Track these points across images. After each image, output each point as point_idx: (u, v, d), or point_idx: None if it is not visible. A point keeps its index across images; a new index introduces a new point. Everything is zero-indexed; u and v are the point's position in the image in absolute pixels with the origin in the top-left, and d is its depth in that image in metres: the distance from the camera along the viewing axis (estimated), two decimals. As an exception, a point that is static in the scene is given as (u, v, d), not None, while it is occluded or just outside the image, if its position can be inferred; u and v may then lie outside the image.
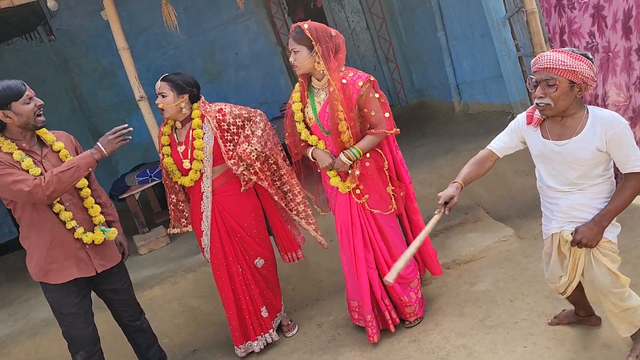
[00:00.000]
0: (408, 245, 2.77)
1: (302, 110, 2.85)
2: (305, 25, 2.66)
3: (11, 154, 2.46)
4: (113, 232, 2.74)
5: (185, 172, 2.99)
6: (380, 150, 2.80)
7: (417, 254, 2.93)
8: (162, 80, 2.89)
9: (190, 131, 2.96)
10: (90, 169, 2.56)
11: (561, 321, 2.55)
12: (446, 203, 2.26)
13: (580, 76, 2.04)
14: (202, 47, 6.62)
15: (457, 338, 2.72)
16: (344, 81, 2.66)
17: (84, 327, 2.70)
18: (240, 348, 3.16)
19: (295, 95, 2.88)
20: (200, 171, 2.95)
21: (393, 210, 2.84)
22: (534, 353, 2.43)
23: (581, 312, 2.49)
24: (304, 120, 2.86)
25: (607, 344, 2.35)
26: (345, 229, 2.87)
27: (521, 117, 2.29)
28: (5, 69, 5.78)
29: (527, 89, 4.84)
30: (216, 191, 3.01)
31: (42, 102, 2.52)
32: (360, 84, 2.65)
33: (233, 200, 3.02)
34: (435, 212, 2.26)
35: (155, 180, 4.89)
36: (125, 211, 4.87)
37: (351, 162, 2.72)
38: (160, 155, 3.08)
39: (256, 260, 3.13)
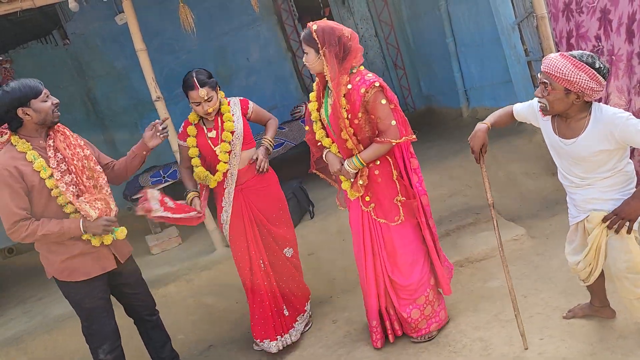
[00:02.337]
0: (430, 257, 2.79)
1: (318, 110, 2.80)
2: (314, 27, 2.55)
3: (24, 153, 2.50)
4: (122, 231, 2.76)
5: (214, 160, 3.04)
6: (390, 159, 2.68)
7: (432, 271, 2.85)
8: (201, 87, 2.88)
9: (219, 117, 3.03)
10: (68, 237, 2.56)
11: (576, 314, 2.60)
12: (480, 150, 2.39)
13: (576, 85, 2.06)
14: (214, 51, 6.72)
15: (473, 332, 2.76)
16: (349, 86, 2.55)
17: (107, 321, 2.75)
18: (263, 342, 3.16)
19: (312, 94, 2.83)
20: (226, 162, 3.02)
21: (400, 221, 2.72)
22: (550, 345, 2.47)
23: (596, 303, 2.53)
24: (321, 120, 2.81)
25: (623, 335, 2.39)
26: (356, 232, 2.84)
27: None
28: (21, 72, 5.87)
29: (536, 93, 4.91)
30: (243, 185, 3.07)
31: (57, 101, 2.58)
32: (363, 90, 2.51)
33: (260, 192, 3.09)
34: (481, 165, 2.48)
35: (169, 180, 4.95)
36: (139, 211, 4.93)
37: (355, 171, 2.66)
38: (181, 148, 3.13)
39: (285, 250, 3.19)
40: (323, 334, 3.25)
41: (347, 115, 2.57)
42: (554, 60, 2.11)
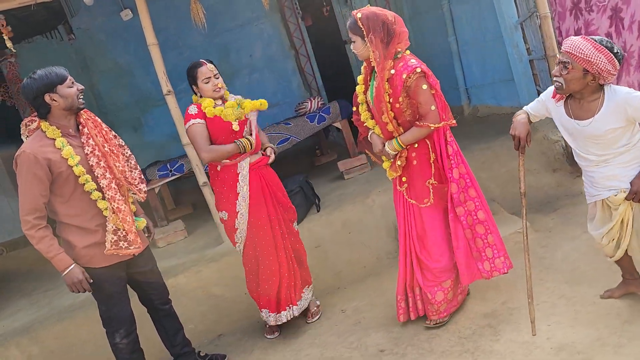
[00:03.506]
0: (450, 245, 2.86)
1: (365, 93, 2.87)
2: (359, 15, 2.65)
3: (54, 140, 2.56)
4: (142, 222, 2.86)
5: (232, 137, 3.12)
6: (428, 142, 2.76)
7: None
8: (210, 63, 3.11)
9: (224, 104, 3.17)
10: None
11: (613, 294, 2.66)
12: (519, 141, 2.48)
13: (595, 67, 2.21)
14: (218, 48, 6.77)
15: (482, 319, 2.85)
16: (393, 71, 2.64)
17: (125, 307, 2.82)
18: (262, 312, 3.32)
19: (360, 77, 2.90)
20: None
21: (429, 204, 2.81)
22: (558, 330, 2.55)
23: (627, 276, 2.64)
24: (367, 102, 2.89)
25: (629, 320, 2.47)
26: (396, 210, 2.99)
27: (549, 90, 2.48)
28: (25, 66, 5.89)
29: (538, 92, 5.01)
30: (255, 165, 3.18)
31: (82, 87, 2.65)
32: (404, 76, 2.61)
33: (269, 170, 3.26)
34: (519, 157, 2.54)
35: (176, 174, 5.00)
36: (145, 205, 4.97)
37: (394, 153, 2.79)
38: (197, 126, 3.09)
39: (294, 224, 3.36)
40: (333, 323, 3.31)
41: (389, 99, 2.68)
42: (577, 42, 2.24)
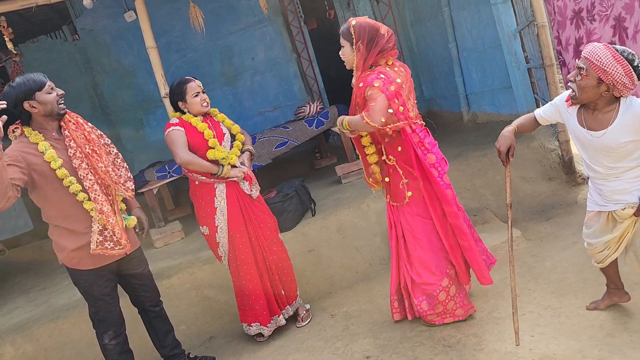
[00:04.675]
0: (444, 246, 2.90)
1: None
2: (353, 22, 2.72)
3: (36, 144, 2.57)
4: (133, 220, 2.87)
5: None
6: (401, 149, 2.84)
7: (462, 264, 2.95)
8: (196, 80, 3.20)
9: (208, 118, 3.25)
10: None
11: (598, 306, 2.68)
12: (507, 153, 2.47)
13: (610, 77, 2.10)
14: (220, 51, 6.82)
15: (467, 328, 2.86)
16: (361, 84, 2.71)
17: (113, 308, 2.85)
18: (252, 327, 3.33)
19: (353, 81, 2.90)
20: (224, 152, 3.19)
21: (407, 200, 2.86)
22: (541, 342, 2.56)
23: (611, 285, 2.64)
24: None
25: (611, 334, 2.48)
26: (387, 215, 3.08)
27: (564, 94, 2.41)
28: (30, 65, 5.97)
29: (535, 100, 5.01)
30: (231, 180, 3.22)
31: (62, 92, 2.66)
32: (361, 85, 2.71)
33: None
34: (506, 168, 2.55)
35: (174, 176, 5.04)
36: (143, 205, 5.00)
37: (345, 130, 2.82)
38: (177, 133, 3.11)
39: (278, 234, 3.39)
40: (321, 328, 3.34)
41: (358, 107, 2.77)
42: (596, 48, 2.14)
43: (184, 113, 3.20)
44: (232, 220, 3.20)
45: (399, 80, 2.72)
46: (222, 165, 3.10)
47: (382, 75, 2.68)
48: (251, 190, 3.25)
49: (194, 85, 3.14)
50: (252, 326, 3.33)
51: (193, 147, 3.12)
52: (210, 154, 3.09)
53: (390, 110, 2.64)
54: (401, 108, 2.70)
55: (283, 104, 7.03)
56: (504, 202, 4.46)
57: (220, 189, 3.18)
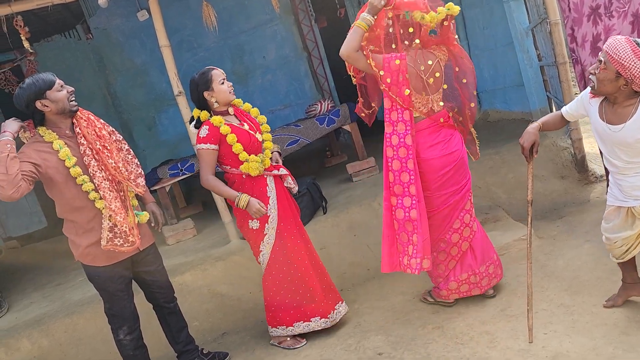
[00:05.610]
0: None
1: None
2: None
3: (51, 143, 2.61)
4: (145, 216, 2.90)
5: (256, 148, 3.09)
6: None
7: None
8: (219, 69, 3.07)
9: (236, 112, 3.13)
10: None
11: (616, 302, 2.67)
12: (531, 149, 2.48)
13: (628, 72, 2.10)
14: (232, 49, 6.86)
15: (480, 325, 2.86)
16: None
17: (128, 304, 2.89)
18: (294, 326, 3.20)
19: None
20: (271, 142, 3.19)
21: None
22: (554, 339, 2.56)
23: (628, 280, 2.64)
24: None
25: (626, 332, 2.47)
26: None
27: (589, 88, 2.42)
28: (44, 64, 6.03)
29: (548, 98, 4.99)
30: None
31: (72, 89, 2.69)
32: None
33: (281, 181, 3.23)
34: (528, 164, 2.58)
35: (186, 173, 5.08)
36: (156, 202, 5.07)
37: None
38: (205, 151, 2.99)
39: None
40: (333, 325, 3.35)
41: None
42: (616, 42, 2.14)
43: (208, 110, 3.03)
44: (282, 210, 3.12)
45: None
46: (240, 198, 2.97)
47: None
48: (292, 185, 3.21)
49: (218, 72, 3.00)
50: (310, 321, 3.18)
51: (226, 157, 3.03)
52: (244, 168, 3.01)
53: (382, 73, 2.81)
54: (388, 80, 2.81)
55: (294, 102, 7.05)
56: (516, 201, 4.47)
57: (270, 179, 3.11)
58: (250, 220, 3.09)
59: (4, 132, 2.55)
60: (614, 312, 2.64)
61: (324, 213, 4.51)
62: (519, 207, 4.32)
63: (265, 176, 3.10)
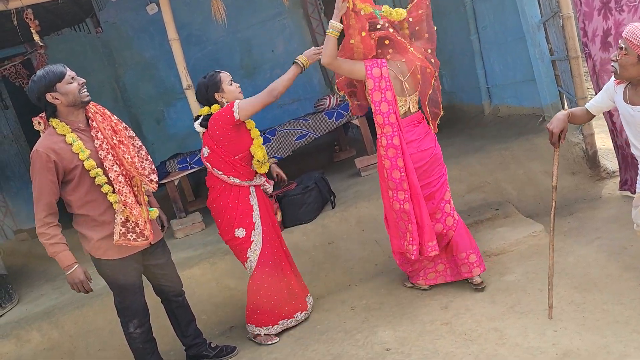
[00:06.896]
0: None
1: None
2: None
3: (64, 135, 2.62)
4: (155, 212, 2.92)
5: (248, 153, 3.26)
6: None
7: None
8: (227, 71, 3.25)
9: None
10: None
11: None
12: (559, 136, 2.58)
13: None
14: (240, 44, 6.85)
15: (489, 322, 2.85)
16: None
17: (138, 297, 2.90)
18: (279, 324, 3.35)
19: None
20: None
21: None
22: (564, 337, 2.54)
23: None
24: None
25: (637, 330, 2.45)
26: None
27: (613, 78, 2.52)
28: (54, 57, 6.04)
29: (560, 93, 4.93)
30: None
31: (84, 80, 2.68)
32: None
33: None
34: (555, 149, 2.68)
35: (195, 167, 5.09)
36: (164, 196, 5.09)
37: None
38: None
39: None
40: (342, 319, 3.35)
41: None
42: (634, 28, 2.27)
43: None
44: (263, 216, 3.26)
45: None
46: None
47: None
48: (267, 186, 3.39)
49: (226, 75, 3.21)
50: (293, 317, 3.38)
51: (239, 145, 3.16)
52: (253, 151, 3.19)
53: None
54: (371, 85, 3.05)
55: (302, 96, 7.03)
56: (526, 197, 4.43)
57: (252, 188, 3.24)
58: (236, 229, 3.21)
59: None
60: (625, 309, 2.61)
61: (332, 207, 4.50)
62: (528, 204, 4.28)
63: (248, 186, 3.22)
